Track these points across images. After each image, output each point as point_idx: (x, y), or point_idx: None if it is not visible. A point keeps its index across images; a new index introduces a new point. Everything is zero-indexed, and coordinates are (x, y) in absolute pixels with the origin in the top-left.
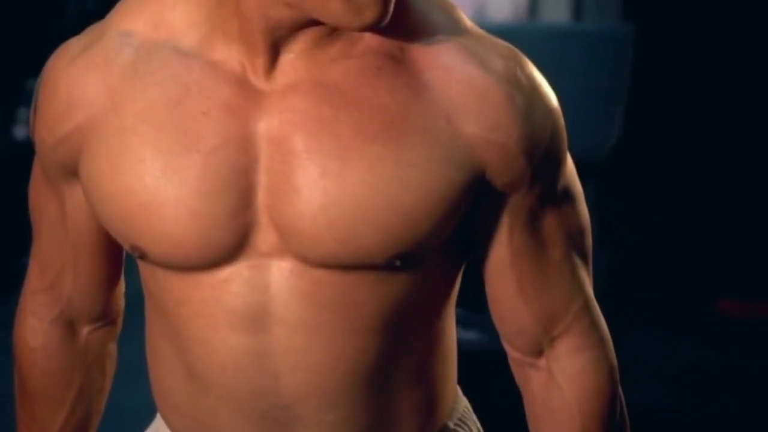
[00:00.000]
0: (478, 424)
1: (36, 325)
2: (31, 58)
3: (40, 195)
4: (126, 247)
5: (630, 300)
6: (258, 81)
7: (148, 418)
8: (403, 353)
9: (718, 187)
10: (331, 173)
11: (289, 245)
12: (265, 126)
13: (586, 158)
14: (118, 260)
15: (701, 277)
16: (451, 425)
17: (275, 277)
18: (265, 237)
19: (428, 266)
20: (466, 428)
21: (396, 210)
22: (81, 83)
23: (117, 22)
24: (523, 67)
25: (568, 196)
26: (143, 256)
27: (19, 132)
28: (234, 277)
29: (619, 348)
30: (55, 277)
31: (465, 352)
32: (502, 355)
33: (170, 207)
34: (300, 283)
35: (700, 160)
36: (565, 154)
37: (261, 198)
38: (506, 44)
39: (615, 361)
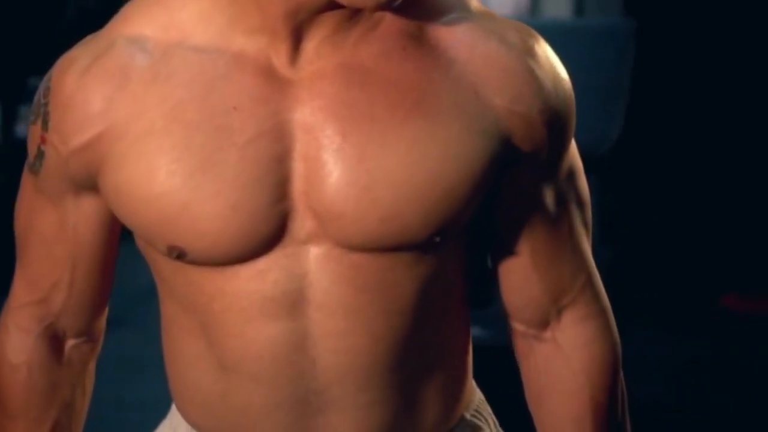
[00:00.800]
0: (493, 417)
1: (21, 340)
2: (33, 57)
3: (32, 210)
4: (161, 249)
5: (632, 296)
6: (284, 70)
7: (152, 413)
8: (432, 334)
9: (721, 182)
10: (371, 155)
11: (328, 230)
12: (297, 114)
13: (588, 154)
14: (111, 278)
15: (704, 273)
16: (468, 416)
17: (312, 263)
18: (302, 224)
19: (456, 246)
20: (482, 419)
21: (436, 185)
22: (99, 93)
23: (122, 29)
24: (538, 41)
25: (574, 168)
26: (181, 256)
27: (20, 129)
28: (271, 266)
29: (622, 344)
30: (47, 291)
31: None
32: (507, 351)
33: (210, 203)
34: (338, 268)
35: (703, 155)
36: (574, 129)
37: (297, 186)
38: (516, 21)
39: (617, 332)
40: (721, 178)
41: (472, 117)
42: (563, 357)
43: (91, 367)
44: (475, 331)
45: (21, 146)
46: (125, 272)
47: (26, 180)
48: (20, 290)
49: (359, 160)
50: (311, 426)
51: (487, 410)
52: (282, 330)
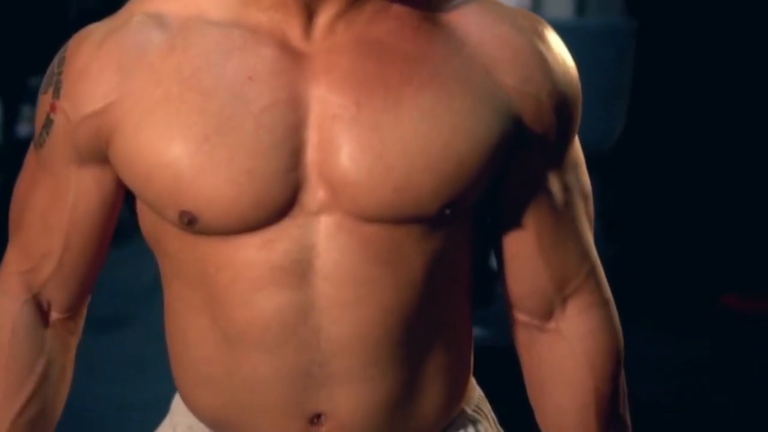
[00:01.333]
0: (493, 414)
1: (8, 304)
2: (34, 57)
3: (31, 184)
4: (172, 217)
5: (634, 295)
6: (299, 43)
7: (153, 414)
8: (439, 313)
9: (723, 181)
10: (385, 123)
11: (340, 200)
12: (312, 85)
13: (590, 153)
14: (102, 260)
15: (706, 273)
16: (469, 411)
17: (323, 234)
18: (313, 195)
19: (464, 226)
20: (482, 415)
21: (449, 156)
22: (114, 62)
23: (140, 6)
24: (547, 28)
25: (578, 161)
26: (192, 222)
27: (21, 129)
28: (281, 236)
29: (624, 343)
30: (38, 261)
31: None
32: (508, 351)
33: (224, 168)
34: (349, 239)
35: (704, 154)
36: (579, 119)
37: (311, 155)
38: (524, 9)
39: (619, 323)
40: (722, 178)
41: (483, 94)
42: (567, 347)
43: (73, 343)
44: (476, 331)
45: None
46: (127, 272)
47: (30, 156)
48: (11, 259)
49: (373, 128)
50: (314, 400)
51: (487, 407)
52: (289, 299)
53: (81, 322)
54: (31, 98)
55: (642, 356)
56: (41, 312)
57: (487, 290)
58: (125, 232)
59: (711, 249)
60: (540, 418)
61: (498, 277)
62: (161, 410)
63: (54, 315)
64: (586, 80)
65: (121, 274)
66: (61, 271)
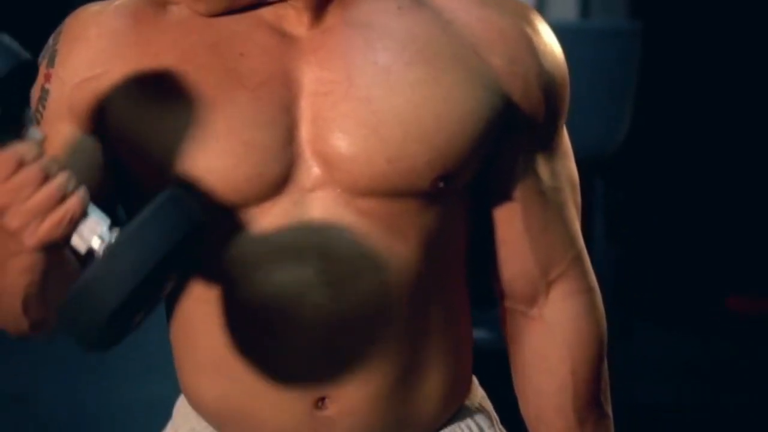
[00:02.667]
0: (495, 414)
1: None
2: (36, 56)
3: None
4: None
5: (638, 296)
6: (290, 27)
7: (158, 415)
8: (437, 292)
9: (727, 183)
10: (377, 97)
11: (335, 175)
12: (303, 63)
13: (595, 155)
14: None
15: (709, 274)
16: (472, 408)
17: (318, 209)
18: (308, 172)
19: (459, 205)
20: (485, 413)
21: (441, 127)
22: (111, 31)
23: None
24: (535, 14)
25: (566, 149)
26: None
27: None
28: (276, 213)
29: (627, 344)
30: None
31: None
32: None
33: (222, 139)
34: (344, 214)
35: (709, 156)
36: (567, 106)
37: (304, 132)
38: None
39: (603, 310)
40: (726, 180)
41: (472, 71)
42: (548, 331)
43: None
44: (478, 333)
45: None
46: None
47: None
48: None
49: (365, 103)
50: (318, 382)
51: (489, 406)
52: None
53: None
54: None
55: (644, 357)
56: None
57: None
58: None
59: (714, 250)
60: (522, 404)
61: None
62: (166, 410)
63: None
64: (590, 82)
65: None
66: None
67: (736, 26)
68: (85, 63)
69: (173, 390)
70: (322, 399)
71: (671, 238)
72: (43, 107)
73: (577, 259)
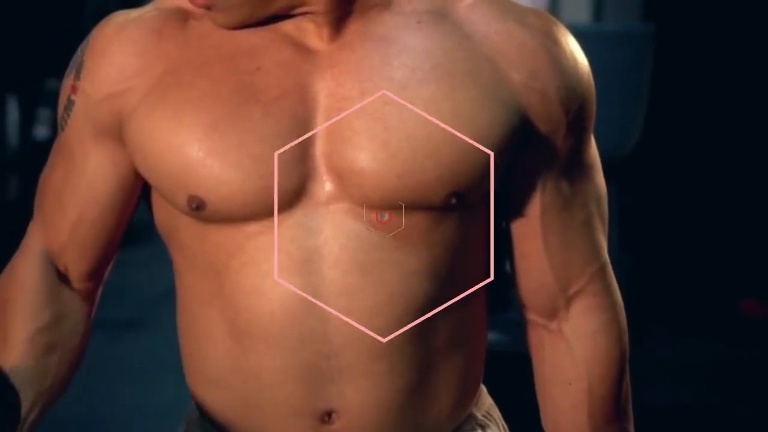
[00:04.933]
0: (503, 423)
1: (25, 258)
2: (51, 59)
3: (52, 167)
4: (181, 203)
5: (652, 300)
6: (308, 42)
7: (168, 417)
8: (449, 309)
9: (741, 186)
10: (390, 113)
11: (348, 189)
12: (319, 79)
13: (608, 158)
14: (119, 236)
15: (724, 277)
16: (479, 416)
17: (330, 221)
18: (322, 185)
19: (476, 218)
20: (493, 422)
21: (453, 144)
22: (134, 46)
23: (161, 3)
24: (558, 26)
25: (592, 161)
26: (201, 207)
27: (38, 132)
28: (290, 224)
29: (641, 348)
30: (52, 233)
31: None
32: (524, 358)
33: (232, 152)
34: (356, 227)
35: (722, 159)
36: (593, 120)
37: (319, 147)
38: (538, 8)
39: (626, 327)
40: (741, 183)
41: (488, 86)
42: (567, 347)
43: (83, 319)
44: (491, 335)
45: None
46: (142, 276)
47: (54, 144)
48: (32, 235)
49: (378, 118)
50: (324, 396)
51: (498, 414)
52: (296, 285)
53: (97, 294)
54: (48, 101)
55: (659, 361)
56: (58, 272)
57: (505, 293)
58: (141, 236)
59: (728, 254)
60: (542, 416)
61: (510, 277)
62: (176, 414)
63: (69, 281)
64: (603, 85)
65: (137, 277)
66: (74, 243)
67: (750, 29)
68: (108, 79)
69: (184, 393)
70: (329, 414)
71: (685, 241)
72: (68, 116)
73: (599, 273)
